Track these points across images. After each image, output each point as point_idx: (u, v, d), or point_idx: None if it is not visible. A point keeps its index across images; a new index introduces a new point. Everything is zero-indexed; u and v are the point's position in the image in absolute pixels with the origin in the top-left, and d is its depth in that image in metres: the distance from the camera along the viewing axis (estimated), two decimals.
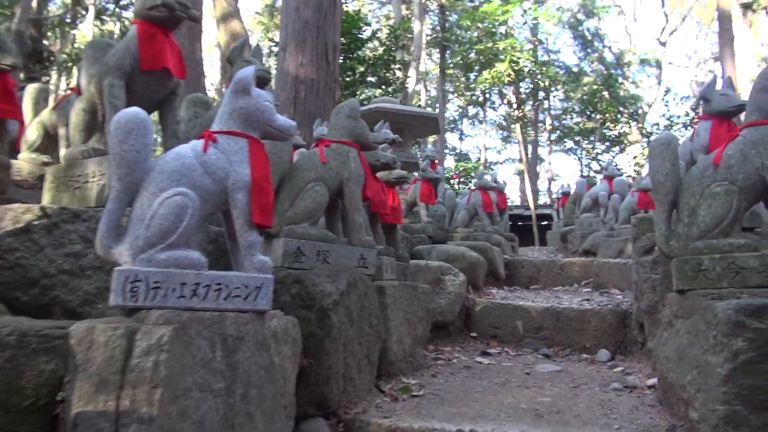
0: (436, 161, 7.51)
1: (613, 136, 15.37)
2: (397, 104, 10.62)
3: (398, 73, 17.72)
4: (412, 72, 21.72)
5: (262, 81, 3.20)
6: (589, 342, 4.05)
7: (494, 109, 19.34)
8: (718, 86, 3.23)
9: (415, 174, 6.44)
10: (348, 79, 15.26)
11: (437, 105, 27.86)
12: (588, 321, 4.08)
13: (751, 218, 3.03)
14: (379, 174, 3.53)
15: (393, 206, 3.48)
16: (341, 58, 14.43)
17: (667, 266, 2.54)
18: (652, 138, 2.52)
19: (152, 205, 1.83)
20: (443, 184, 7.54)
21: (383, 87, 14.80)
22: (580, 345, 4.06)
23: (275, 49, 14.16)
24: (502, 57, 15.24)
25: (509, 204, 23.33)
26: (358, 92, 15.36)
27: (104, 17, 16.59)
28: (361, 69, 15.02)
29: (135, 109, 1.90)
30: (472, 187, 6.21)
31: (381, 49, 15.13)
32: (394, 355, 2.97)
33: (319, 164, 2.65)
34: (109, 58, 2.64)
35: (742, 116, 2.76)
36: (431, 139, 20.35)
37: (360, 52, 14.92)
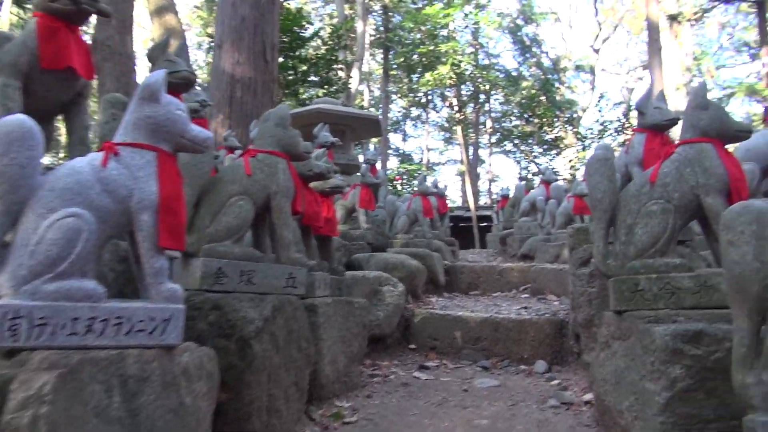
0: (376, 165, 7.37)
1: (550, 139, 15.77)
2: (339, 105, 10.42)
3: (341, 74, 17.51)
4: (355, 72, 21.53)
5: (187, 83, 2.93)
6: (526, 352, 4.02)
7: (436, 111, 19.49)
8: (654, 98, 3.24)
9: (359, 175, 6.27)
10: (289, 78, 14.93)
11: (380, 106, 27.84)
12: (525, 331, 4.05)
13: (683, 232, 3.05)
14: (313, 184, 3.35)
15: (327, 217, 3.30)
16: (281, 56, 14.09)
17: (604, 280, 2.50)
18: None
19: (38, 229, 1.59)
20: (385, 187, 7.42)
21: (325, 87, 14.55)
22: (518, 355, 4.02)
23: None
24: (444, 60, 15.32)
25: (451, 206, 23.55)
26: (299, 92, 15.05)
27: (26, 4, 15.37)
28: (303, 68, 14.71)
29: (19, 117, 1.64)
30: (413, 192, 6.08)
31: (323, 49, 14.87)
32: (326, 378, 2.80)
33: (243, 176, 2.44)
34: (3, 55, 2.33)
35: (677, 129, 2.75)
36: (375, 140, 20.28)
37: (302, 51, 14.62)
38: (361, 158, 8.46)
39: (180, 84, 2.76)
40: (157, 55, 3.19)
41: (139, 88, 1.82)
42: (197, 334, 2.02)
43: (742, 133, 2.20)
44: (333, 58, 14.44)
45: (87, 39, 4.69)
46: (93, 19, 5.02)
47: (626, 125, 14.90)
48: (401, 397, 3.09)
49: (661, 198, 2.19)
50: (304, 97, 14.08)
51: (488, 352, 4.09)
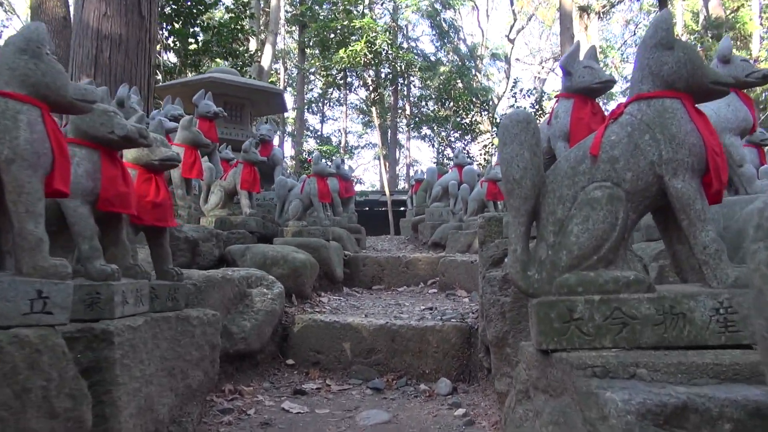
0: (272, 142, 6.39)
1: (465, 124, 15.31)
2: (237, 76, 9.26)
3: (250, 46, 16.11)
4: (268, 48, 20.12)
5: None
6: (428, 367, 3.27)
7: (352, 91, 18.52)
8: (582, 57, 2.53)
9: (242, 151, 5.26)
10: (190, 48, 13.42)
11: (295, 85, 26.46)
12: (428, 341, 3.29)
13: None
14: (132, 155, 2.37)
15: (156, 202, 2.34)
16: (180, 23, 12.58)
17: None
18: (504, 115, 1.67)
19: None
20: (281, 168, 6.46)
21: (230, 59, 13.19)
22: (419, 371, 3.26)
23: None
24: (359, 37, 14.38)
25: (367, 190, 22.76)
26: (201, 64, 13.58)
27: None
28: (206, 37, 13.25)
29: None
30: (308, 174, 5.17)
31: (227, 16, 13.48)
32: None
33: None
34: None
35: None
36: (276, 117, 19.09)
37: (203, 18, 13.15)
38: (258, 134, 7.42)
39: None
40: None
41: None
42: None
43: (719, 86, 1.48)
44: (238, 27, 13.08)
45: None
46: None
47: (539, 113, 14.69)
48: None
49: (607, 179, 1.44)
50: (204, 69, 12.65)
51: (383, 367, 3.30)
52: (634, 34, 31.95)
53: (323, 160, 5.11)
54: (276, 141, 27.21)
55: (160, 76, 13.17)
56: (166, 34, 12.95)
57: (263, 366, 3.27)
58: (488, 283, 2.50)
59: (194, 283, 2.81)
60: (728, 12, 19.13)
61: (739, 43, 20.36)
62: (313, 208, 5.09)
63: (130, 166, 2.39)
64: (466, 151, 10.60)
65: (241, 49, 13.81)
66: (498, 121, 16.11)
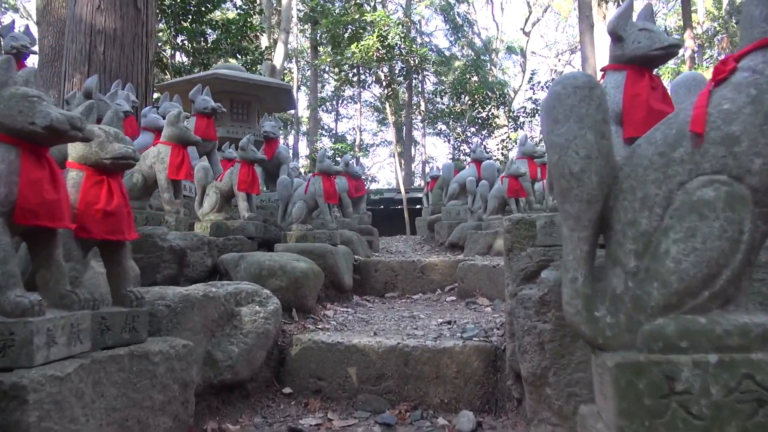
0: (275, 138, 5.93)
1: (481, 119, 14.73)
2: (243, 72, 8.82)
3: (260, 43, 15.72)
4: (280, 47, 19.73)
5: None
6: (447, 395, 2.76)
7: (366, 88, 18.01)
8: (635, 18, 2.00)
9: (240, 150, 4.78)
10: (198, 45, 13.05)
11: (309, 83, 26.05)
12: (446, 365, 2.79)
13: None
14: (76, 153, 1.90)
15: (108, 210, 1.87)
16: (188, 21, 12.21)
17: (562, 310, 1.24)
18: (554, 80, 1.15)
19: None
20: (287, 167, 5.99)
21: (239, 57, 12.79)
22: (436, 400, 2.76)
23: None
24: (371, 32, 13.89)
25: (382, 188, 22.27)
26: (211, 62, 13.20)
27: None
28: (214, 35, 12.87)
29: None
30: (313, 172, 4.70)
31: (235, 12, 13.07)
32: None
33: None
34: None
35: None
36: (306, 118, 18.71)
37: (212, 16, 12.77)
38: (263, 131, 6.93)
39: None
40: None
41: None
42: None
43: None
44: (247, 24, 12.66)
45: None
46: None
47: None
48: None
49: (721, 171, 0.92)
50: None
51: (394, 396, 2.80)
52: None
53: (329, 157, 4.62)
54: (291, 140, 26.87)
55: (168, 76, 12.85)
56: (174, 32, 12.60)
57: (255, 396, 2.80)
58: (521, 304, 1.98)
59: (168, 304, 2.35)
60: None
61: None
62: (319, 209, 4.61)
63: (75, 167, 1.92)
64: (483, 146, 10.05)
65: (251, 46, 13.40)
66: (514, 114, 15.51)
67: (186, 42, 12.76)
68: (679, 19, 27.17)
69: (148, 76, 6.33)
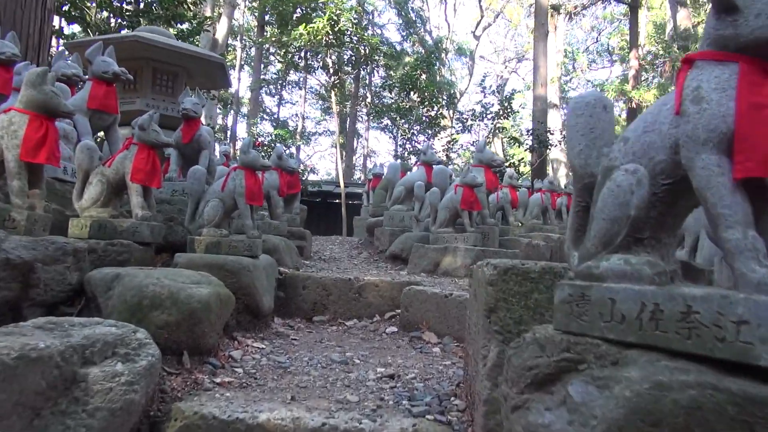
0: (196, 116, 4.89)
1: (429, 117, 14.01)
2: (171, 38, 7.60)
3: (205, 13, 14.24)
4: (224, 21, 18.20)
5: None
6: None
7: (312, 73, 16.84)
8: None
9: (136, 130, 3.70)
10: (128, 8, 11.53)
11: (252, 64, 24.51)
12: None
13: None
14: None
15: None
16: None
17: None
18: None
19: None
20: (208, 153, 4.95)
21: (173, 25, 11.38)
22: None
23: None
24: (322, 13, 12.83)
25: (321, 179, 21.21)
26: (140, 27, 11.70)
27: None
28: None
29: None
30: (233, 166, 3.72)
31: None
32: None
33: None
34: None
35: None
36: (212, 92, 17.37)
37: None
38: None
39: None
40: None
41: None
42: None
43: None
44: None
45: None
46: None
47: (508, 111, 13.55)
48: None
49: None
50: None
51: None
52: (597, 41, 31.55)
53: (251, 147, 3.65)
54: (229, 121, 25.17)
55: (91, 36, 11.25)
56: None
57: None
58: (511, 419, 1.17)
59: None
60: (695, 24, 18.59)
61: None
62: (239, 211, 3.65)
63: None
64: (433, 147, 9.27)
65: (188, 14, 11.99)
66: (462, 116, 14.91)
67: (114, 1, 11.22)
68: (623, 39, 27.73)
69: (44, 26, 5.09)
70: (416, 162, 7.82)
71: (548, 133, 13.20)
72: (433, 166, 6.30)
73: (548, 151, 13.67)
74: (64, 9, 10.84)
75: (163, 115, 7.13)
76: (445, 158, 14.67)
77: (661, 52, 21.38)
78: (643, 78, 22.43)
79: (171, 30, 11.43)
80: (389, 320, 4.02)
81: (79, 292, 2.66)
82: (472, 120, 13.78)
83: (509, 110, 13.35)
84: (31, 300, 2.41)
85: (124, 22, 11.44)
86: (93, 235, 3.17)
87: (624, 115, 24.30)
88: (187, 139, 4.94)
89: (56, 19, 14.88)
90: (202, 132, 4.96)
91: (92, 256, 3.05)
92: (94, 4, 11.66)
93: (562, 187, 7.56)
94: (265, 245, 4.27)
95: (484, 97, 13.67)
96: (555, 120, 18.75)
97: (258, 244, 3.65)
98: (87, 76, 4.19)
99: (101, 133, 4.69)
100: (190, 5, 11.79)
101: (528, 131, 13.25)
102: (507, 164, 5.46)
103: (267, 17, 20.66)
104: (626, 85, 18.89)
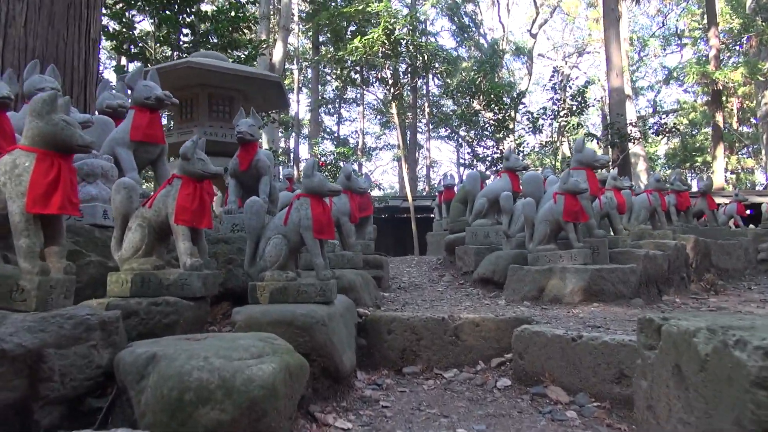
0: (253, 140, 4.29)
1: (497, 121, 13.02)
2: (225, 61, 7.17)
3: (259, 38, 14.04)
4: (279, 45, 18.09)
5: None
6: None
7: (369, 87, 16.26)
8: None
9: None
10: (185, 39, 11.42)
11: (310, 86, 24.39)
12: None
13: None
14: None
15: None
16: (173, 11, 10.58)
17: None
18: None
19: None
20: (268, 179, 4.32)
21: (229, 51, 11.13)
22: None
23: None
24: (376, 24, 12.23)
25: (387, 194, 20.57)
26: None
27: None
28: (203, 27, 11.23)
29: None
30: (297, 193, 3.02)
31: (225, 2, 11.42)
32: None
33: None
34: None
35: None
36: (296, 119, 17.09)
37: (200, 6, 11.12)
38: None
39: None
40: None
41: None
42: None
43: None
44: (239, 16, 11.01)
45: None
46: None
47: (580, 107, 12.35)
48: None
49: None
50: None
51: None
52: (663, 25, 29.26)
53: (317, 170, 2.94)
54: (291, 143, 25.23)
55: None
56: (156, 23, 10.97)
57: None
58: None
59: None
60: None
61: None
62: (306, 247, 2.94)
63: None
64: (515, 150, 8.15)
65: (243, 39, 11.74)
66: (531, 116, 13.79)
67: (171, 35, 11.12)
68: (692, 20, 25.48)
69: (89, 58, 4.67)
70: (496, 170, 6.92)
71: (631, 126, 11.88)
72: (523, 173, 5.41)
73: (631, 146, 12.32)
74: (124, 47, 10.83)
75: (222, 142, 6.68)
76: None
77: (739, 29, 19.23)
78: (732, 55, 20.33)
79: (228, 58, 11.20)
80: (498, 369, 3.17)
81: (110, 376, 2.01)
82: (543, 119, 12.66)
83: (584, 104, 12.14)
84: (43, 398, 1.77)
85: (184, 55, 11.31)
86: (135, 292, 2.56)
87: (704, 100, 22.13)
88: (245, 166, 4.33)
89: (120, 58, 15.14)
90: (260, 156, 4.34)
91: (133, 320, 2.43)
92: (154, 42, 11.65)
93: (670, 184, 6.41)
94: (339, 284, 3.55)
95: (555, 93, 12.52)
96: (630, 113, 17.21)
97: (332, 286, 2.93)
98: (130, 104, 3.66)
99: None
100: (244, 30, 11.52)
101: (608, 126, 11.99)
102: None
103: (321, 38, 20.45)
104: (707, 66, 17.05)
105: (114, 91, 4.21)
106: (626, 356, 2.58)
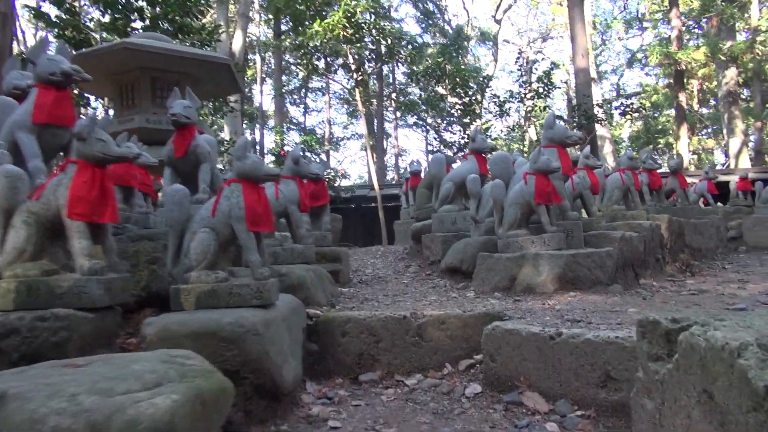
0: (189, 123, 3.77)
1: (463, 104, 12.64)
2: (166, 41, 6.55)
3: (215, 23, 13.28)
4: (238, 34, 17.29)
5: None
6: None
7: (331, 73, 15.65)
8: None
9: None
10: (135, 25, 10.63)
11: (274, 76, 23.60)
12: None
13: None
14: None
15: None
16: None
17: None
18: None
19: None
20: (207, 168, 3.80)
21: (179, 37, 10.40)
22: None
23: None
24: (336, 8, 11.67)
25: (354, 184, 20.11)
26: None
27: None
28: (151, 12, 10.46)
29: None
30: (226, 179, 2.53)
31: None
32: None
33: None
34: None
35: None
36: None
37: None
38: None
39: None
40: None
41: None
42: None
43: None
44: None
45: None
46: None
47: (550, 88, 12.06)
48: None
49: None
50: None
51: None
52: (624, 9, 29.34)
53: (248, 150, 2.47)
54: (257, 135, 24.44)
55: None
56: (101, 10, 10.17)
57: None
58: None
59: None
60: None
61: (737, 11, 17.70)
62: (240, 240, 2.46)
63: None
64: (481, 131, 7.56)
65: (195, 24, 11.01)
66: (498, 99, 13.48)
67: (119, 20, 10.33)
68: (654, 3, 25.56)
69: (4, 39, 4.04)
70: (462, 153, 6.52)
71: (597, 107, 11.66)
72: (487, 153, 5.02)
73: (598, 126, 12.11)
74: (66, 34, 10.01)
75: (166, 130, 6.07)
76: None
77: (699, 9, 19.28)
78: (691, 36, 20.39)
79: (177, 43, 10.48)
80: (467, 373, 2.77)
81: None
82: (510, 101, 12.33)
83: (550, 86, 11.85)
84: None
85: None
86: (21, 304, 2.05)
87: (665, 82, 22.24)
88: (182, 152, 3.80)
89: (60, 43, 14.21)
90: (198, 142, 3.82)
91: (13, 339, 1.92)
92: (100, 30, 10.84)
93: (642, 162, 6.13)
94: (286, 281, 3.09)
95: (521, 76, 12.21)
96: (595, 96, 17.09)
97: (271, 286, 2.46)
98: (33, 81, 3.09)
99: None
100: (196, 14, 10.80)
101: (574, 107, 11.74)
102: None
103: (284, 27, 19.68)
104: (670, 47, 17.02)
105: (24, 72, 3.63)
106: (613, 356, 2.21)
